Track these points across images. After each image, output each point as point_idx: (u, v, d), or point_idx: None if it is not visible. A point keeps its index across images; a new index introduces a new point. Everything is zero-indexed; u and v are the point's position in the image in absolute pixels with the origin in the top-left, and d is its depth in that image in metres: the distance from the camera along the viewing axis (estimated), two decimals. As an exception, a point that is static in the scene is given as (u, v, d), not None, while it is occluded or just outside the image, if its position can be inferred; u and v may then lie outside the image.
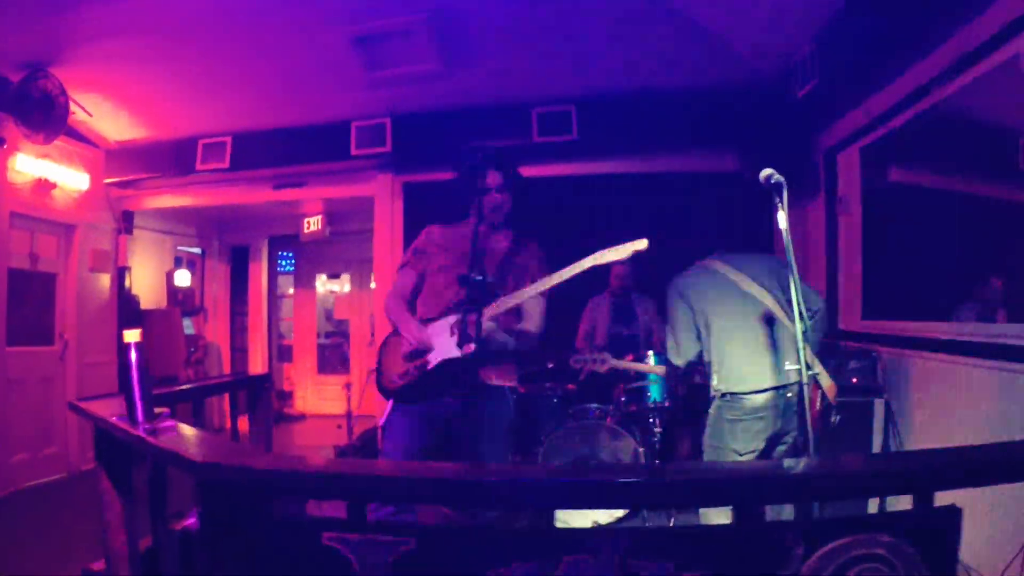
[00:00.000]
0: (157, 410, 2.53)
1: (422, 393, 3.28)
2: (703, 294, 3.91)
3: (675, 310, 3.98)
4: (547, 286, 3.02)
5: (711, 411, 3.86)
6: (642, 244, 2.92)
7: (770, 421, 3.67)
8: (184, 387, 3.95)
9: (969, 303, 4.25)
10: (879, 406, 4.75)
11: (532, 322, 3.39)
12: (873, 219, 5.60)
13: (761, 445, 3.70)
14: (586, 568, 1.69)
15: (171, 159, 7.34)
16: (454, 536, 1.87)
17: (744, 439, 3.68)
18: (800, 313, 2.81)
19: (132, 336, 2.48)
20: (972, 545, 3.69)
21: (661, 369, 4.66)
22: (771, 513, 3.09)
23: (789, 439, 3.75)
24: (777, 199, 2.91)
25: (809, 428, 2.83)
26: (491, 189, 3.39)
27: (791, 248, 2.87)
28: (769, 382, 3.60)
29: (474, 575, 1.72)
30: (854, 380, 4.81)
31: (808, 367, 2.82)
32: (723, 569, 1.68)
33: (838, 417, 4.34)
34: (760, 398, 3.63)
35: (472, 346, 2.84)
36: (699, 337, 3.89)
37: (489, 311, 3.03)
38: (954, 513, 1.75)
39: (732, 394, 3.69)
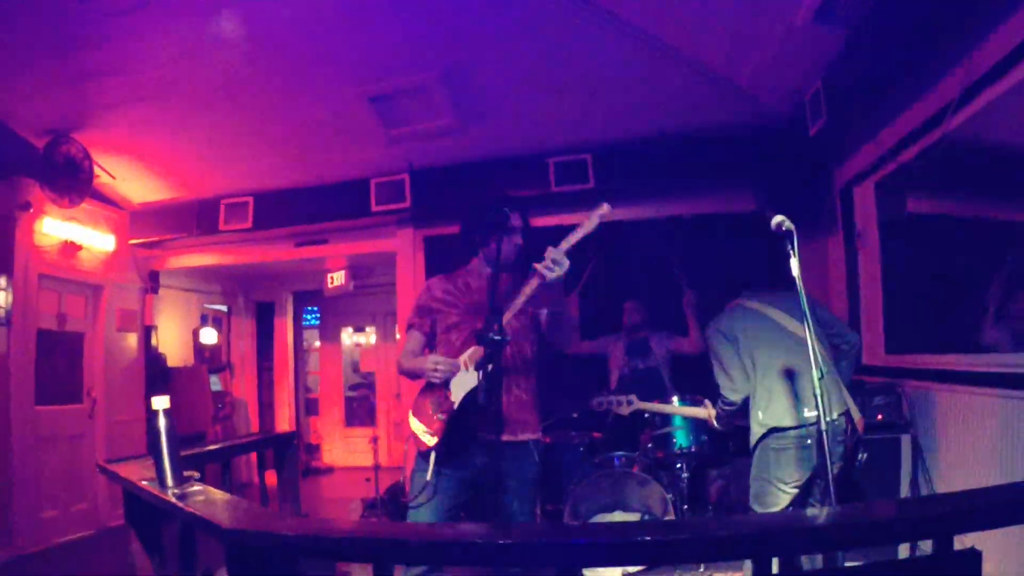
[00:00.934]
0: (186, 473, 2.57)
1: (452, 451, 3.27)
2: (745, 331, 4.01)
3: (720, 348, 4.05)
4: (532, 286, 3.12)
5: (756, 447, 3.90)
6: (605, 208, 3.15)
7: (814, 451, 3.69)
8: (212, 447, 3.99)
9: (998, 328, 4.21)
10: (906, 442, 4.72)
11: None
12: (893, 252, 5.57)
13: (807, 474, 3.76)
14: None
15: (194, 219, 7.47)
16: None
17: (789, 469, 3.75)
18: (816, 359, 2.82)
19: (161, 403, 2.53)
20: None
21: (697, 411, 4.60)
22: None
23: (836, 465, 3.77)
24: (789, 246, 2.93)
25: (830, 472, 2.83)
26: (517, 229, 3.48)
27: (804, 294, 2.89)
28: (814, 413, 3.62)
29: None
30: (880, 416, 4.77)
31: (827, 413, 2.82)
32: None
33: (865, 455, 4.36)
34: (806, 429, 3.67)
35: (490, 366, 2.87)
36: (748, 372, 3.96)
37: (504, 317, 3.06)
38: (974, 556, 1.75)
39: (780, 429, 3.74)
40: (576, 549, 1.79)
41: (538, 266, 3.09)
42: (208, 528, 2.06)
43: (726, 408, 4.09)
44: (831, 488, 2.82)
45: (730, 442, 4.82)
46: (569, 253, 3.09)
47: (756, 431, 3.85)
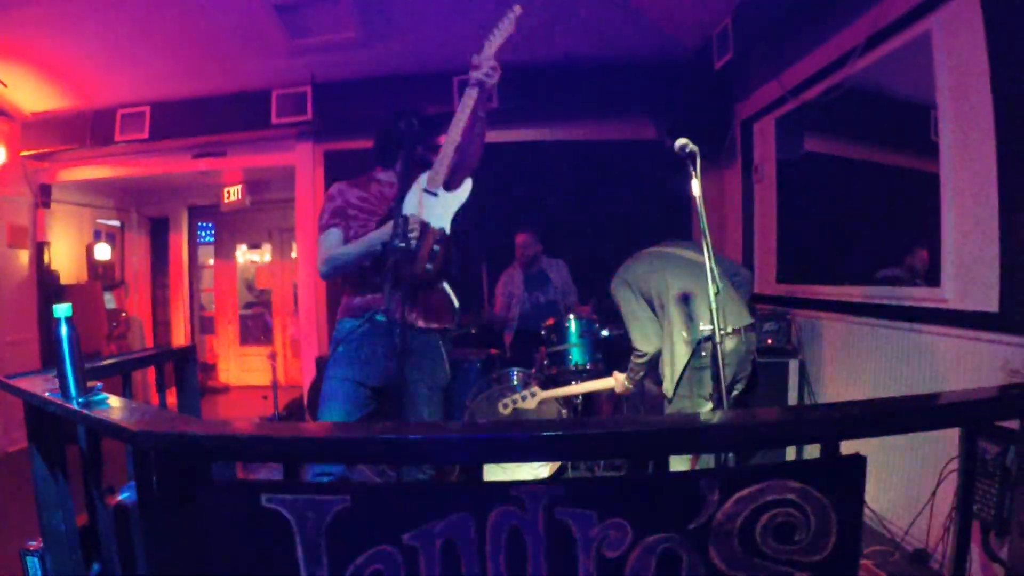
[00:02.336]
0: (89, 384, 2.54)
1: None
2: (645, 276, 4.09)
3: (627, 301, 4.13)
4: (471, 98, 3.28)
5: (683, 373, 3.99)
6: (518, 9, 3.29)
7: (733, 367, 3.92)
8: (111, 361, 3.88)
9: (896, 269, 4.44)
10: (793, 366, 4.97)
11: None
12: (788, 187, 5.77)
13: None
14: (514, 518, 1.78)
15: (89, 130, 7.17)
16: (387, 493, 1.93)
17: (710, 385, 3.91)
18: (713, 276, 2.95)
19: (63, 310, 2.46)
20: (888, 497, 3.97)
21: (610, 383, 4.49)
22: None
23: (741, 385, 4.05)
24: (691, 167, 3.03)
25: (723, 383, 2.98)
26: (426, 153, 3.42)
27: (704, 214, 3.01)
28: (734, 324, 3.83)
29: (408, 529, 1.80)
30: (769, 341, 5.00)
31: (721, 328, 2.95)
32: (643, 516, 1.79)
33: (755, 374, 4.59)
34: (730, 343, 3.85)
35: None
36: (657, 316, 4.05)
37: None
38: (859, 461, 1.88)
39: (702, 340, 3.86)
40: (485, 444, 1.87)
41: (476, 75, 3.23)
42: (118, 433, 2.04)
43: (638, 360, 4.17)
44: (723, 397, 2.96)
45: (622, 360, 4.94)
46: None
47: (680, 354, 3.96)
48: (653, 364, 4.17)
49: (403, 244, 2.94)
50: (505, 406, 4.50)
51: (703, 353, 3.88)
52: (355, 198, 3.55)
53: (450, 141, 3.25)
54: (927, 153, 3.90)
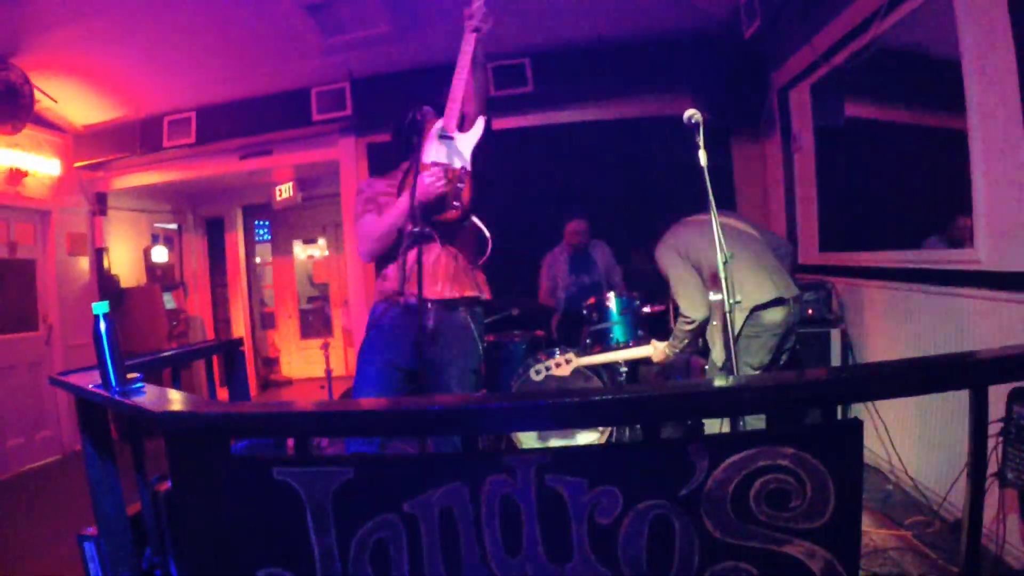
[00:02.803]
0: (130, 376, 2.65)
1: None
2: (695, 243, 4.11)
3: (675, 267, 4.16)
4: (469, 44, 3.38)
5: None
6: None
7: (780, 338, 3.98)
8: (158, 355, 4.03)
9: (936, 238, 4.37)
10: (836, 335, 4.92)
11: None
12: (828, 154, 5.70)
13: (768, 358, 4.03)
14: (507, 486, 1.84)
15: (138, 138, 7.39)
16: (387, 464, 2.01)
17: (759, 354, 4.00)
18: (721, 245, 2.95)
19: (100, 308, 2.59)
20: (928, 465, 3.91)
21: (648, 351, 4.48)
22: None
23: (786, 356, 4.12)
24: (697, 137, 3.04)
25: (733, 349, 2.97)
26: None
27: (709, 184, 3.01)
28: (785, 294, 3.88)
29: (407, 498, 1.88)
30: (810, 311, 4.95)
31: (730, 296, 2.95)
32: (633, 483, 1.83)
33: (797, 347, 4.56)
34: (779, 314, 3.92)
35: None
36: (705, 285, 4.09)
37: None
38: (855, 425, 1.88)
39: (754, 310, 3.91)
40: (468, 414, 1.93)
41: (470, 23, 3.35)
42: (142, 415, 2.16)
43: (686, 327, 4.16)
44: (734, 361, 2.96)
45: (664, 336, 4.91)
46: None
47: (736, 320, 3.95)
48: (700, 333, 4.19)
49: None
50: (538, 372, 4.49)
51: (753, 322, 3.91)
52: (383, 186, 3.63)
53: (456, 87, 3.34)
54: (963, 111, 3.81)
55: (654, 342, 4.42)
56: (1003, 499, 3.11)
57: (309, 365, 11.26)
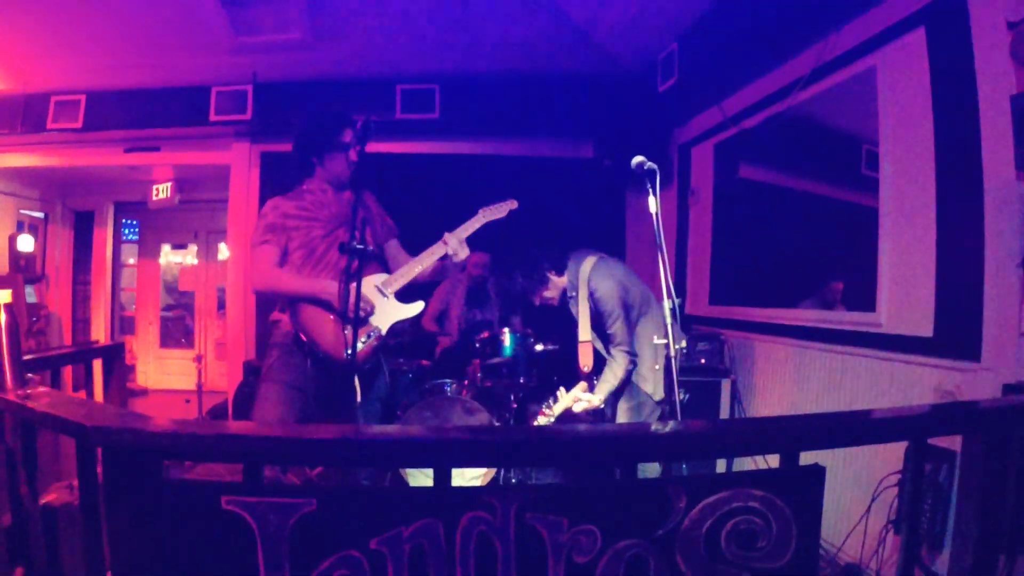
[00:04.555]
0: (27, 375, 2.46)
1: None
2: (630, 280, 4.26)
3: (620, 301, 4.15)
4: (439, 254, 3.50)
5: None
6: (513, 204, 3.73)
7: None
8: (42, 354, 3.79)
9: (811, 300, 4.59)
10: (726, 385, 5.06)
11: None
12: (723, 212, 5.89)
13: None
14: (484, 524, 1.78)
15: (20, 115, 6.93)
16: (355, 496, 1.91)
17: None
18: (669, 290, 3.01)
19: (3, 297, 2.39)
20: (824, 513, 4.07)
21: (591, 401, 4.24)
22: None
23: None
24: (648, 185, 3.10)
25: (676, 396, 3.02)
26: (348, 146, 3.53)
27: (660, 230, 3.08)
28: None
29: (375, 534, 1.78)
30: (702, 361, 5.09)
31: (675, 341, 3.01)
32: (612, 522, 1.82)
33: (687, 395, 4.67)
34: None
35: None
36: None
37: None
38: (819, 471, 1.95)
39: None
40: (447, 445, 1.89)
41: (447, 248, 3.50)
42: (66, 428, 1.98)
43: (630, 366, 4.15)
44: (677, 409, 3.00)
45: (555, 376, 4.91)
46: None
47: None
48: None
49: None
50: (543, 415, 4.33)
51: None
52: (292, 208, 3.59)
53: (412, 266, 3.52)
54: (856, 186, 4.06)
55: (578, 393, 4.28)
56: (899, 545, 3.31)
57: (166, 376, 10.83)
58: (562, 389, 4.30)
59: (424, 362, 5.86)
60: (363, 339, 3.33)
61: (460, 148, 7.06)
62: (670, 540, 1.83)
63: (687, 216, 6.37)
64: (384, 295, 3.47)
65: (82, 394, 4.30)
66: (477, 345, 5.19)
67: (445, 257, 3.50)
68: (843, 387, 4.15)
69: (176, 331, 11.30)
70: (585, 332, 4.28)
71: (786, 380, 4.73)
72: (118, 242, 10.64)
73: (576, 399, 4.21)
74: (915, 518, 2.15)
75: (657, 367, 4.11)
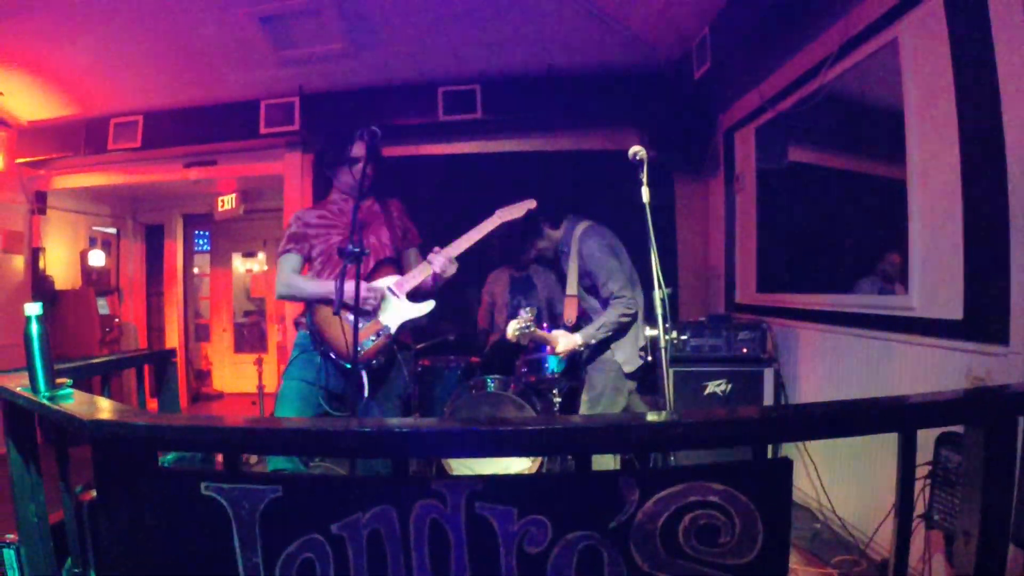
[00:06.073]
0: (58, 380, 2.60)
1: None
2: (618, 251, 4.42)
3: (614, 259, 4.33)
4: (458, 251, 3.59)
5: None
6: (532, 203, 3.75)
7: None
8: (89, 361, 3.96)
9: (871, 276, 4.46)
10: (769, 374, 4.97)
11: None
12: (768, 197, 5.80)
13: None
14: (435, 512, 1.83)
15: (83, 138, 7.24)
16: (316, 484, 1.99)
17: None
18: (659, 281, 2.99)
19: (32, 308, 2.54)
20: (856, 505, 3.99)
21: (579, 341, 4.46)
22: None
23: None
24: (640, 174, 3.09)
25: (668, 385, 3.00)
26: (358, 160, 3.64)
27: (650, 221, 3.07)
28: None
29: (336, 520, 1.86)
30: (744, 350, 5.01)
31: (666, 332, 2.99)
32: (563, 513, 1.84)
33: (729, 386, 4.64)
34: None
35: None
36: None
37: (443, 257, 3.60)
38: (786, 464, 1.92)
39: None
40: (434, 437, 1.95)
41: (434, 267, 3.58)
42: (71, 423, 2.11)
43: (624, 319, 4.28)
44: (668, 397, 2.99)
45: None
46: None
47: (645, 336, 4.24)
48: (623, 331, 4.37)
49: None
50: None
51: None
52: (314, 218, 3.81)
53: (416, 274, 3.65)
54: (902, 161, 3.92)
55: (562, 332, 4.48)
56: (929, 540, 3.19)
57: (241, 380, 11.09)
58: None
59: (473, 359, 5.91)
60: (372, 337, 3.42)
61: (503, 146, 7.11)
62: (624, 533, 1.84)
63: (734, 203, 6.28)
64: (395, 295, 3.57)
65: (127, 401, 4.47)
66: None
67: (435, 276, 3.62)
68: (882, 373, 4.03)
69: (251, 336, 11.57)
70: (572, 287, 4.45)
71: (825, 368, 4.65)
72: (189, 252, 10.95)
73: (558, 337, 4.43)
74: (906, 511, 2.07)
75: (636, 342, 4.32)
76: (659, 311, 3.00)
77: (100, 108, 7.15)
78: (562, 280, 4.50)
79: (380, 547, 1.86)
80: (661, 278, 3.01)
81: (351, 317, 3.27)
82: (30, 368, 2.52)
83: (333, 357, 3.50)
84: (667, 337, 2.96)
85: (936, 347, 3.56)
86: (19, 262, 7.80)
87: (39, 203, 8.01)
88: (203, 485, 1.90)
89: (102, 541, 2.01)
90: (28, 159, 7.55)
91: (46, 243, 8.16)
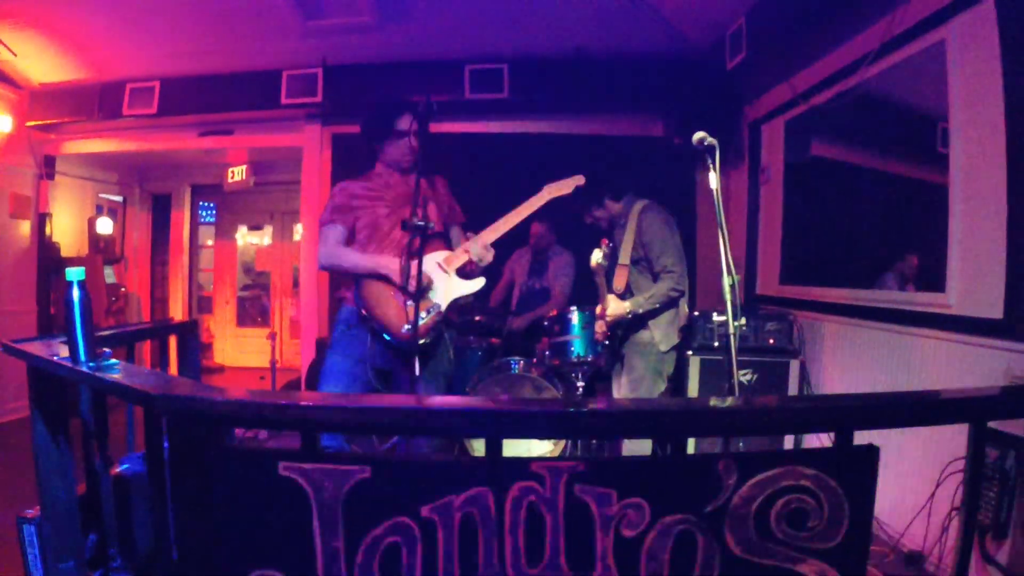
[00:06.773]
0: (98, 350, 2.52)
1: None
2: (675, 231, 4.45)
3: (672, 236, 4.39)
4: (497, 234, 3.57)
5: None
6: (580, 180, 3.71)
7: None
8: (117, 331, 3.90)
9: (891, 274, 4.49)
10: (794, 366, 4.98)
11: None
12: (794, 190, 5.78)
13: None
14: (534, 494, 1.81)
15: (97, 103, 7.12)
16: (409, 465, 1.95)
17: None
18: (729, 267, 2.98)
19: (75, 274, 2.45)
20: (886, 498, 4.00)
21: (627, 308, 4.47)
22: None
23: None
24: (709, 160, 3.07)
25: (735, 373, 3.00)
26: (405, 133, 3.62)
27: (720, 207, 3.04)
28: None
29: (427, 502, 1.82)
30: (771, 341, 5.02)
31: (735, 318, 2.98)
32: (661, 496, 1.82)
33: (756, 375, 4.66)
34: None
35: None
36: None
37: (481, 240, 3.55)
38: (872, 451, 1.92)
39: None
40: (502, 417, 1.91)
41: (470, 251, 3.54)
42: (134, 396, 2.04)
43: (674, 294, 4.32)
44: (735, 385, 2.98)
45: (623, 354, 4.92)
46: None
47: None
48: (669, 306, 4.42)
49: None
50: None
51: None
52: (360, 189, 3.74)
53: (454, 260, 3.62)
54: (931, 164, 3.94)
55: (613, 296, 4.47)
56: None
57: (243, 354, 11.09)
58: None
59: (494, 340, 5.90)
60: (423, 315, 3.39)
61: (528, 127, 7.08)
62: (719, 517, 1.83)
63: (758, 194, 6.28)
64: (445, 271, 3.54)
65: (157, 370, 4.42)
66: (545, 323, 5.20)
67: (471, 263, 3.58)
68: (912, 369, 4.04)
69: (253, 310, 11.57)
70: (625, 257, 4.43)
71: (855, 361, 4.65)
72: (195, 224, 10.88)
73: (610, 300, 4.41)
74: (973, 507, 2.08)
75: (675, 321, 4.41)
76: (728, 297, 2.99)
77: (116, 72, 7.03)
78: (613, 255, 4.47)
79: (473, 530, 1.82)
80: (732, 263, 3.00)
81: (402, 294, 3.26)
82: (70, 336, 2.40)
83: (383, 334, 3.48)
84: (735, 324, 2.95)
85: (973, 345, 3.56)
86: (25, 227, 7.69)
87: (48, 168, 7.89)
88: (281, 465, 1.84)
89: (179, 519, 1.96)
90: (39, 122, 7.42)
91: (53, 209, 8.05)
